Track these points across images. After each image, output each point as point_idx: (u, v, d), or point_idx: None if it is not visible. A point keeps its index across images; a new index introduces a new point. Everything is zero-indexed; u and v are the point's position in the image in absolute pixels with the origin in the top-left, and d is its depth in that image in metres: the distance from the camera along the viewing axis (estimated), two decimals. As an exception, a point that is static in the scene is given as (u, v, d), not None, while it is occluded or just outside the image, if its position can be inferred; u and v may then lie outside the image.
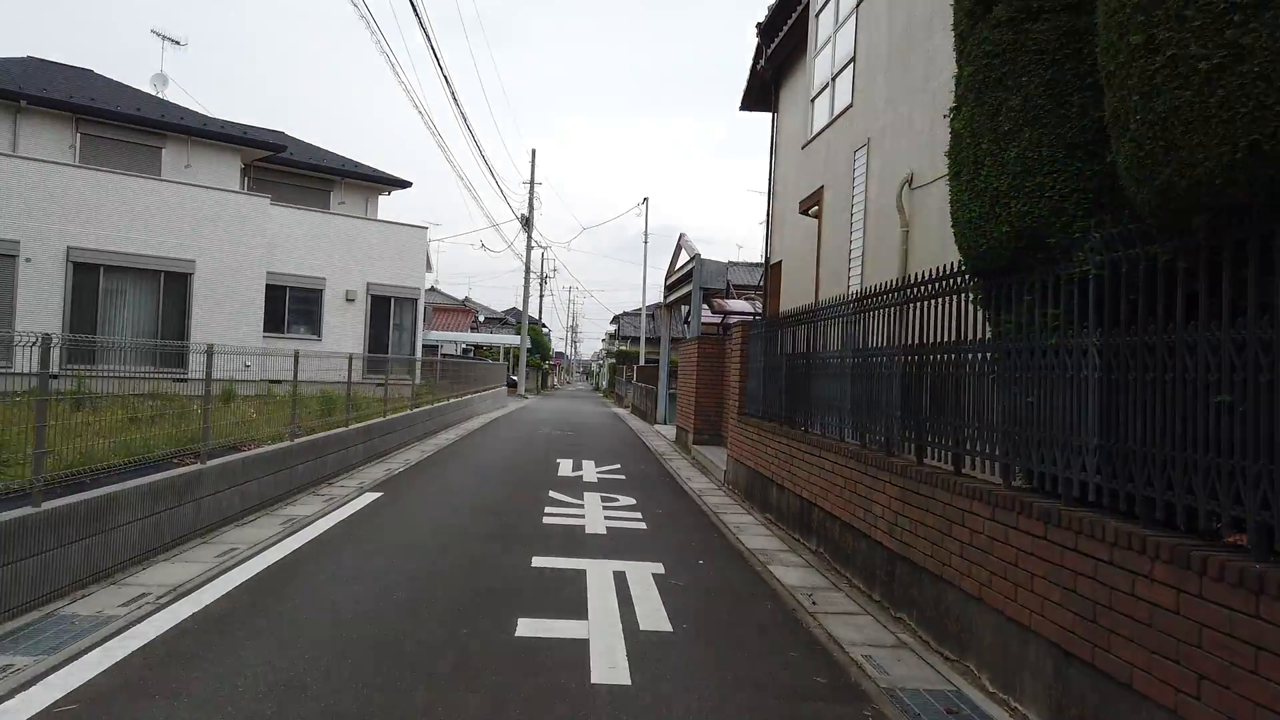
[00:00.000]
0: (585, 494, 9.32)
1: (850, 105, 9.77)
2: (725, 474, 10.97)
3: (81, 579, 4.82)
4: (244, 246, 18.34)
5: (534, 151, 44.86)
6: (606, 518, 7.95)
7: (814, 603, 5.46)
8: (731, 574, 6.14)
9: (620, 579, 5.65)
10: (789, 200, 14.45)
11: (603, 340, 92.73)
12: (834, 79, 10.45)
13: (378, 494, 8.73)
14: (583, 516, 7.95)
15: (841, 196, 9.92)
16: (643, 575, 5.78)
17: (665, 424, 21.85)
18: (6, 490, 4.72)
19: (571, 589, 5.38)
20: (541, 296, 55.69)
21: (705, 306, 18.25)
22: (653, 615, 4.89)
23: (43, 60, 20.28)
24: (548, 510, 8.17)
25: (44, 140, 17.10)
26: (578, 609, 4.93)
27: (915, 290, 5.08)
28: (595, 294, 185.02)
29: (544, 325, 63.48)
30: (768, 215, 15.76)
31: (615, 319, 65.00)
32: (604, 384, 66.68)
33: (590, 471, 11.45)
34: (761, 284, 19.31)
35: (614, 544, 6.82)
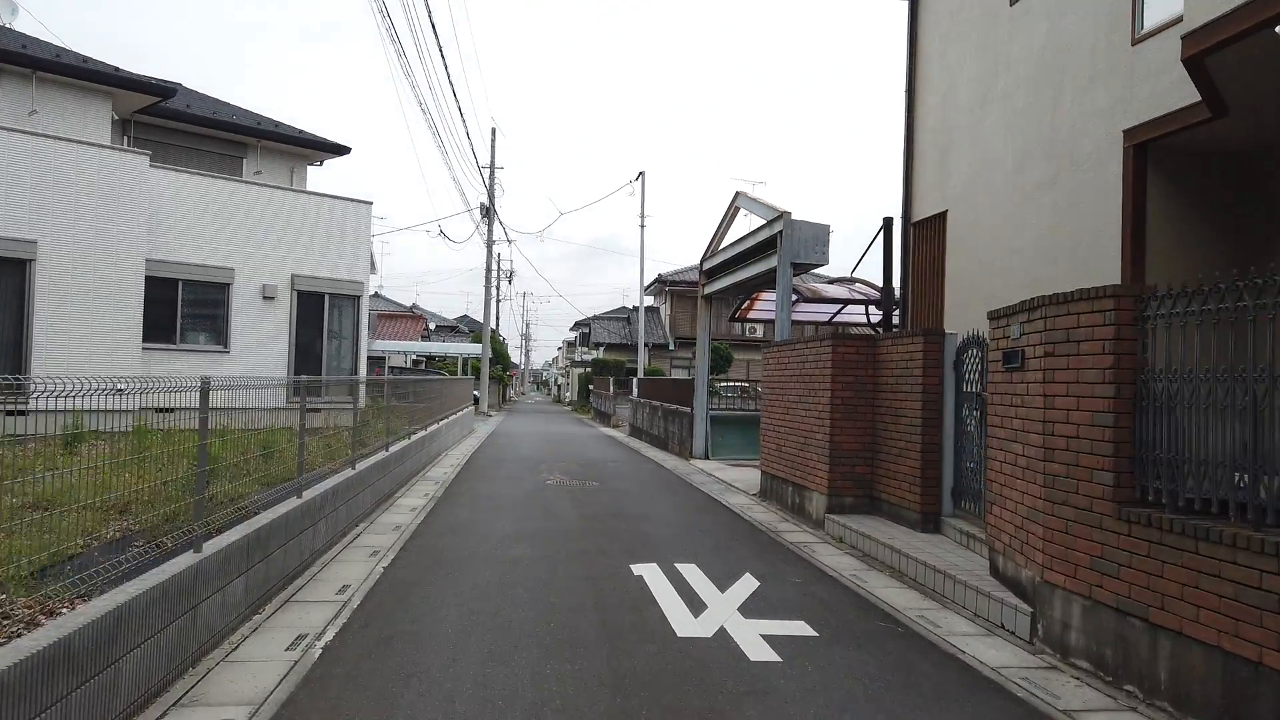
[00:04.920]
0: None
1: None
2: (1044, 626, 5.34)
3: None
4: (112, 223, 12.40)
5: (494, 130, 38.81)
6: None
7: None
8: None
9: None
10: (968, 106, 9.03)
11: (559, 348, 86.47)
12: None
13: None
14: None
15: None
16: None
17: (707, 458, 16.19)
18: None
19: None
20: (498, 300, 49.77)
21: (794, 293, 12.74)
22: None
23: None
24: None
25: None
26: None
27: None
28: (556, 298, 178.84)
29: (500, 334, 57.37)
30: (907, 142, 10.38)
31: (581, 323, 59.04)
32: (568, 396, 60.59)
33: (732, 618, 5.70)
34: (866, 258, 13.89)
35: None
